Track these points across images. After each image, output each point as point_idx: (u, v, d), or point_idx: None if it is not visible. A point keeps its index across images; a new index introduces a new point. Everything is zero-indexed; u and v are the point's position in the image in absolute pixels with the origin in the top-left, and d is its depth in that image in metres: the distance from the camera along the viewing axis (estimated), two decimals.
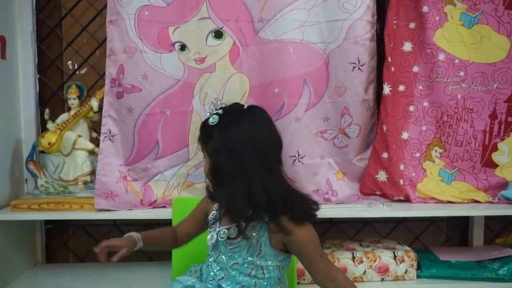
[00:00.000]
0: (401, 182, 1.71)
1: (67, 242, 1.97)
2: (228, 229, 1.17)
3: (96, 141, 1.71)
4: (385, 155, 1.71)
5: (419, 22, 1.70)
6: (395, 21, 1.70)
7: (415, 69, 1.73)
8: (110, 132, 1.64)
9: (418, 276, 1.65)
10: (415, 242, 1.99)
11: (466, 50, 1.71)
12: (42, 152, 1.72)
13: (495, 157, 1.73)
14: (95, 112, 1.69)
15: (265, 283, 1.20)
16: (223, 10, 1.63)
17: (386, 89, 1.70)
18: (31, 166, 1.67)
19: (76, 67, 1.92)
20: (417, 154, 1.75)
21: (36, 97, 1.83)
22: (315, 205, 1.22)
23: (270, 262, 1.19)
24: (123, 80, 1.62)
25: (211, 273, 1.23)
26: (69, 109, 1.72)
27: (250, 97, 1.67)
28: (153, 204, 1.66)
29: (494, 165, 1.73)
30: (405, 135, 1.74)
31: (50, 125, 1.68)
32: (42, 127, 1.81)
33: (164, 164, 1.67)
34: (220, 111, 1.17)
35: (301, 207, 1.19)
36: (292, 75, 1.66)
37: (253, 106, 1.22)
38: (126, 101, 1.62)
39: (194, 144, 1.66)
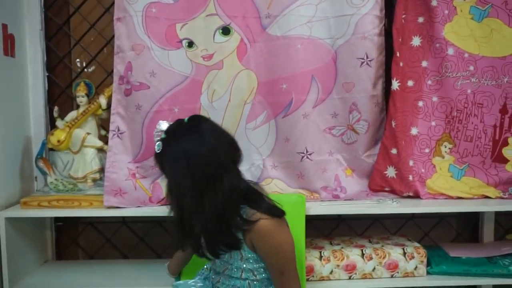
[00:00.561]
0: (411, 178, 1.69)
1: (76, 239, 1.98)
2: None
3: (104, 139, 1.72)
4: (394, 151, 1.70)
5: (428, 16, 1.68)
6: (403, 16, 1.68)
7: (424, 64, 1.71)
8: (118, 130, 1.65)
9: (428, 273, 1.64)
10: (424, 239, 1.98)
11: (476, 44, 1.69)
12: (51, 149, 1.73)
13: (506, 152, 1.71)
14: (103, 110, 1.70)
15: (260, 284, 1.22)
16: (230, 6, 1.63)
17: (395, 85, 1.69)
18: (41, 164, 1.68)
19: (84, 65, 1.93)
20: (427, 150, 1.74)
21: (45, 95, 1.84)
22: (279, 205, 1.23)
23: (258, 265, 1.21)
24: (131, 77, 1.62)
25: (212, 276, 1.29)
26: (77, 106, 1.73)
27: (258, 94, 1.67)
28: (162, 201, 1.66)
29: (505, 160, 1.71)
30: (414, 131, 1.73)
31: (59, 122, 1.69)
32: (51, 125, 1.82)
33: None
34: (164, 135, 1.18)
35: (267, 205, 1.19)
36: (300, 71, 1.65)
37: (193, 118, 1.21)
38: (134, 99, 1.63)
39: None
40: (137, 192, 1.63)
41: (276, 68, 1.65)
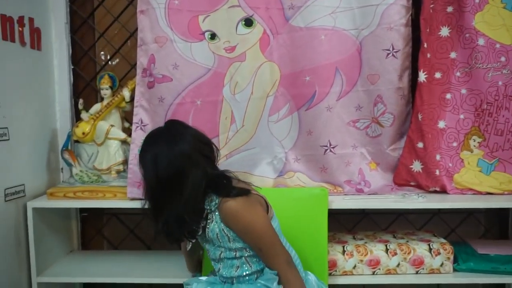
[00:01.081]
0: (437, 172, 1.65)
1: (101, 229, 2.01)
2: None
3: (128, 131, 1.73)
4: (420, 144, 1.66)
5: (458, 5, 1.63)
6: (431, 5, 1.63)
7: (453, 55, 1.66)
8: (141, 122, 1.66)
9: (454, 270, 1.60)
10: (451, 235, 1.93)
11: (508, 34, 1.63)
12: (76, 141, 1.76)
13: None
14: (127, 102, 1.71)
15: (255, 259, 1.26)
16: None
17: (422, 76, 1.64)
18: (66, 155, 1.71)
19: (108, 58, 1.95)
20: (454, 144, 1.69)
21: (70, 87, 1.87)
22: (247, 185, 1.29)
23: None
24: (154, 70, 1.62)
25: (213, 266, 1.33)
26: (101, 99, 1.74)
27: (281, 86, 1.65)
28: None
29: None
30: (441, 124, 1.68)
31: (84, 115, 1.71)
32: (76, 117, 1.84)
33: None
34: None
35: (235, 189, 1.23)
36: (324, 63, 1.62)
37: (167, 123, 1.31)
38: (157, 91, 1.63)
39: (225, 134, 1.66)
40: None
41: (299, 60, 1.63)
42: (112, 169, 1.70)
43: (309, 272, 1.34)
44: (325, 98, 1.64)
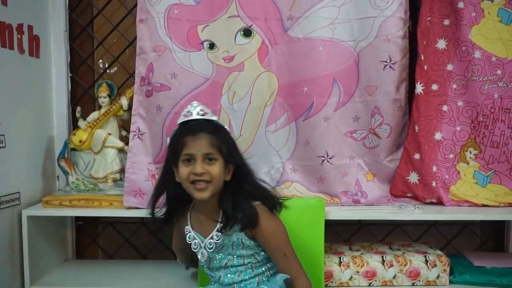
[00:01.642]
0: (434, 184, 1.66)
1: (96, 238, 2.00)
2: (211, 237, 1.25)
3: (125, 139, 1.73)
4: (417, 156, 1.66)
5: (454, 18, 1.64)
6: (428, 18, 1.65)
7: (449, 67, 1.67)
8: (139, 131, 1.66)
9: (451, 282, 1.60)
10: (447, 247, 1.93)
11: (504, 48, 1.64)
12: (73, 149, 1.75)
13: None
14: (125, 111, 1.71)
15: (260, 264, 1.28)
16: (252, 8, 1.62)
17: (419, 88, 1.65)
18: (63, 163, 1.70)
19: (106, 66, 1.95)
20: (451, 156, 1.70)
21: (68, 95, 1.87)
22: (277, 198, 1.35)
23: (258, 248, 1.27)
24: (153, 78, 1.63)
25: (212, 280, 1.32)
26: (99, 107, 1.74)
27: (279, 96, 1.66)
28: None
29: None
30: (438, 136, 1.69)
31: (81, 123, 1.71)
32: (74, 125, 1.84)
33: None
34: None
35: (269, 197, 1.30)
36: (322, 74, 1.63)
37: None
38: (155, 100, 1.63)
39: None
40: None
41: (297, 71, 1.64)
42: (108, 178, 1.69)
43: None
44: (323, 108, 1.65)
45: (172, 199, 1.32)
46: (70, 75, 1.88)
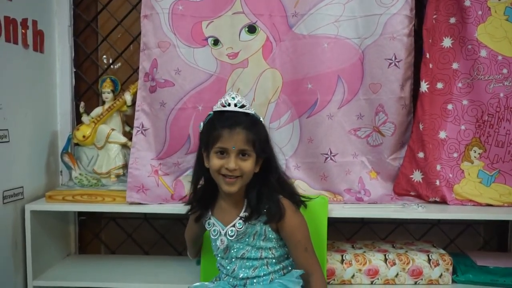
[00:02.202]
0: (437, 183, 1.65)
1: (99, 233, 2.00)
2: (233, 225, 1.24)
3: (129, 135, 1.73)
4: (421, 154, 1.66)
5: (460, 16, 1.63)
6: (434, 16, 1.64)
7: (455, 65, 1.66)
8: (142, 126, 1.66)
9: (453, 281, 1.59)
10: (450, 246, 1.92)
11: (511, 46, 1.63)
12: (76, 144, 1.75)
13: None
14: (128, 106, 1.71)
15: (275, 261, 1.27)
16: (256, 4, 1.62)
17: (424, 87, 1.65)
18: (66, 158, 1.70)
19: (111, 61, 1.95)
20: (455, 155, 1.69)
21: (72, 90, 1.87)
22: (300, 195, 1.36)
23: (278, 243, 1.27)
24: (156, 74, 1.62)
25: (224, 272, 1.30)
26: (103, 102, 1.74)
27: (283, 93, 1.65)
28: (184, 199, 1.66)
29: None
30: (442, 135, 1.68)
31: (85, 118, 1.71)
32: (77, 120, 1.84)
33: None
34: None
35: (293, 193, 1.31)
36: (326, 71, 1.63)
37: None
38: (159, 96, 1.63)
39: None
40: (159, 189, 1.64)
41: (302, 68, 1.63)
42: (111, 173, 1.70)
43: None
44: (327, 106, 1.64)
45: (208, 184, 1.29)
46: (74, 70, 1.88)
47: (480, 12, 1.63)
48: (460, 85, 1.67)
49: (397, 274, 1.58)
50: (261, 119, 1.28)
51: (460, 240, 1.94)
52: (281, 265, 1.29)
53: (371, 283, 1.58)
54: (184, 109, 1.63)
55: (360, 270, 1.58)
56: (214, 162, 1.21)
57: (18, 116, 1.60)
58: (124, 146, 1.71)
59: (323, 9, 1.61)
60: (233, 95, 1.24)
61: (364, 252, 1.63)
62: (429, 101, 1.66)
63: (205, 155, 1.25)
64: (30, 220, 1.58)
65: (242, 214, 1.25)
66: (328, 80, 1.63)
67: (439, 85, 1.67)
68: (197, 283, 1.35)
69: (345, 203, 1.66)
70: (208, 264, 1.49)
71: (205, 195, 1.30)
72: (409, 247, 1.68)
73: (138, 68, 1.68)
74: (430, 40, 1.64)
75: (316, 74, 1.62)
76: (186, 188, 1.67)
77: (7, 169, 1.55)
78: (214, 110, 1.25)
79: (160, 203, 1.63)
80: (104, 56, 1.97)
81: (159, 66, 1.62)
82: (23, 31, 1.61)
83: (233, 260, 1.28)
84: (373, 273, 1.58)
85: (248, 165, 1.21)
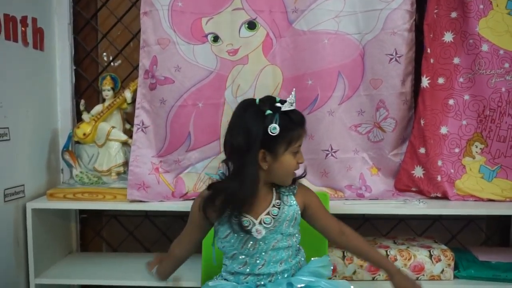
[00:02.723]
0: (439, 178, 1.64)
1: (100, 231, 2.00)
2: (267, 213, 1.22)
3: (129, 133, 1.73)
4: (422, 150, 1.65)
5: (462, 11, 1.62)
6: (435, 11, 1.63)
7: (456, 60, 1.65)
8: (143, 124, 1.65)
9: (455, 277, 1.59)
10: (452, 241, 1.92)
11: None
12: (77, 142, 1.75)
13: None
14: (128, 104, 1.71)
15: (294, 249, 1.27)
16: (256, 0, 1.61)
17: (425, 82, 1.64)
18: (67, 156, 1.70)
19: (110, 59, 1.94)
20: (456, 150, 1.69)
21: (72, 88, 1.87)
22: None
23: (297, 229, 1.27)
24: (156, 71, 1.62)
25: (246, 271, 1.24)
26: (103, 100, 1.74)
27: (283, 90, 1.64)
28: (184, 196, 1.66)
29: None
30: (443, 130, 1.68)
31: (85, 116, 1.71)
32: (78, 118, 1.84)
33: (195, 157, 1.66)
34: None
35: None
36: (327, 67, 1.62)
37: None
38: (159, 93, 1.63)
39: None
40: (160, 186, 1.64)
41: (302, 64, 1.62)
42: (112, 171, 1.70)
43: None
44: (327, 102, 1.64)
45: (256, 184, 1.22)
46: (74, 68, 1.87)
47: (481, 6, 1.62)
48: (461, 80, 1.66)
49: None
50: None
51: (462, 236, 1.94)
52: (297, 259, 1.29)
53: (373, 279, 1.58)
54: (184, 106, 1.62)
55: (361, 266, 1.58)
56: (291, 161, 1.21)
57: (19, 114, 1.60)
58: (125, 143, 1.71)
59: (324, 4, 1.60)
60: (292, 93, 1.23)
61: None
62: (430, 96, 1.65)
63: (268, 156, 1.19)
64: (32, 218, 1.58)
65: (274, 202, 1.24)
66: (328, 76, 1.63)
67: (440, 80, 1.66)
68: (216, 282, 1.29)
69: (346, 199, 1.66)
70: (209, 263, 1.48)
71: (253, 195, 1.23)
72: (410, 243, 1.67)
73: (138, 65, 1.68)
74: (431, 35, 1.64)
75: (316, 70, 1.62)
76: (186, 185, 1.67)
77: (8, 167, 1.55)
78: (283, 109, 1.19)
79: (161, 201, 1.63)
80: (104, 54, 1.96)
81: (159, 63, 1.62)
82: (22, 29, 1.61)
83: (262, 254, 1.24)
84: (374, 269, 1.58)
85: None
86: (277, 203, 1.24)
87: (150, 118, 1.65)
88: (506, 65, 1.63)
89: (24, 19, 1.61)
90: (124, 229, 1.98)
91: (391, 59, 1.61)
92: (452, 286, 1.58)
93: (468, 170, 1.69)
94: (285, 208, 1.24)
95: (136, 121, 1.65)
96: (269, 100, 1.20)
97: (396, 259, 1.58)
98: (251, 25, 1.62)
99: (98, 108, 1.73)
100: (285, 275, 1.25)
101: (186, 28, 1.61)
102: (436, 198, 1.67)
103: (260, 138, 1.16)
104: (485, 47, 1.62)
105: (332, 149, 1.65)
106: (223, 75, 1.63)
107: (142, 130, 1.65)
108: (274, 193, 1.25)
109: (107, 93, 1.71)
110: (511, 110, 1.64)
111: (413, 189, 1.69)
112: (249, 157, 1.16)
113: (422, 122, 1.64)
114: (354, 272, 1.58)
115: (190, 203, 1.62)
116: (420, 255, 1.59)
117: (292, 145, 1.20)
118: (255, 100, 1.21)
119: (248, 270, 1.25)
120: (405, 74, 1.63)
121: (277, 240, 1.23)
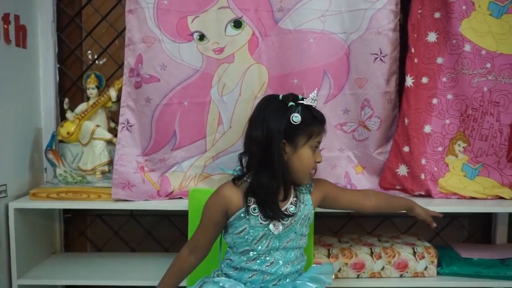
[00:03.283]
0: (423, 176, 1.67)
1: (84, 231, 1.99)
2: (285, 210, 1.24)
3: (114, 131, 1.71)
4: (406, 148, 1.67)
5: (445, 11, 1.64)
6: (419, 11, 1.65)
7: (440, 60, 1.68)
8: (128, 122, 1.64)
9: (438, 273, 1.62)
10: (435, 239, 1.95)
11: (494, 41, 1.65)
12: (61, 141, 1.73)
13: None
14: (113, 102, 1.69)
15: (301, 253, 1.30)
16: None
17: (409, 81, 1.66)
18: (50, 155, 1.68)
19: (95, 57, 1.93)
20: (440, 148, 1.71)
21: (56, 86, 1.84)
22: None
23: (309, 230, 1.30)
24: (142, 70, 1.61)
25: (253, 268, 1.24)
26: (88, 98, 1.72)
27: (269, 88, 1.65)
28: (170, 195, 1.65)
29: None
30: (427, 129, 1.70)
31: (69, 114, 1.69)
32: (62, 117, 1.82)
33: (181, 155, 1.66)
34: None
35: None
36: (312, 66, 1.63)
37: None
38: (144, 91, 1.62)
39: (212, 135, 1.65)
40: (145, 185, 1.63)
41: (288, 63, 1.63)
42: (97, 170, 1.68)
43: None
44: None
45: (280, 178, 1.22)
46: (58, 66, 1.85)
47: (464, 7, 1.64)
48: (444, 79, 1.68)
49: (383, 268, 1.60)
50: None
51: (445, 233, 1.97)
52: (301, 265, 1.30)
53: (357, 276, 1.60)
54: (170, 104, 1.62)
55: (346, 264, 1.59)
56: (310, 156, 1.23)
57: (1, 113, 1.57)
58: (109, 142, 1.69)
59: (309, 3, 1.61)
60: (315, 91, 1.26)
61: (351, 246, 1.64)
62: (414, 95, 1.67)
63: (290, 147, 1.20)
64: (14, 218, 1.56)
65: (291, 199, 1.26)
66: (314, 75, 1.63)
67: (424, 80, 1.68)
68: (223, 278, 1.27)
69: None
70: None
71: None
72: (394, 241, 1.69)
73: (123, 63, 1.66)
74: (415, 35, 1.65)
75: (302, 69, 1.62)
76: (172, 184, 1.66)
77: None
78: (305, 103, 1.22)
79: (146, 200, 1.63)
80: (89, 52, 1.94)
81: (144, 62, 1.60)
82: (5, 26, 1.58)
83: (274, 252, 1.24)
84: (359, 267, 1.59)
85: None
86: (294, 200, 1.26)
87: (135, 117, 1.64)
88: (488, 65, 1.66)
89: (6, 16, 1.59)
90: (109, 229, 1.97)
91: (376, 58, 1.62)
92: (435, 283, 1.60)
93: (451, 169, 1.71)
94: (301, 207, 1.27)
95: (121, 119, 1.64)
96: (292, 95, 1.24)
97: (380, 257, 1.59)
98: (237, 24, 1.62)
99: (82, 106, 1.71)
100: (287, 280, 1.26)
101: (171, 26, 1.60)
102: (420, 196, 1.69)
103: (283, 128, 1.19)
104: (467, 47, 1.64)
105: None
106: (209, 74, 1.63)
107: (127, 128, 1.64)
108: (292, 191, 1.27)
109: (92, 91, 1.69)
110: (493, 109, 1.67)
111: (398, 187, 1.70)
112: (274, 146, 1.18)
113: (406, 121, 1.66)
114: (339, 270, 1.59)
115: (176, 202, 1.63)
116: (404, 252, 1.61)
117: (312, 139, 1.22)
118: (278, 95, 1.25)
119: (256, 266, 1.24)
120: (390, 74, 1.65)
121: (290, 238, 1.25)
